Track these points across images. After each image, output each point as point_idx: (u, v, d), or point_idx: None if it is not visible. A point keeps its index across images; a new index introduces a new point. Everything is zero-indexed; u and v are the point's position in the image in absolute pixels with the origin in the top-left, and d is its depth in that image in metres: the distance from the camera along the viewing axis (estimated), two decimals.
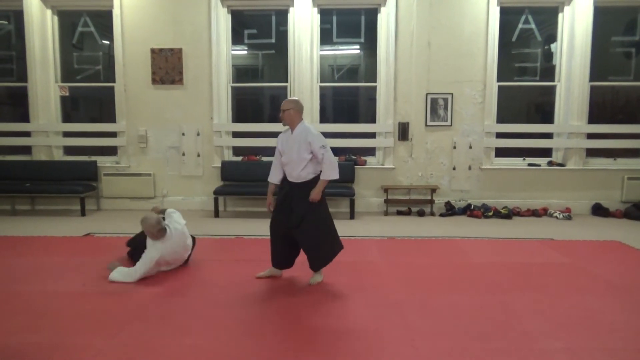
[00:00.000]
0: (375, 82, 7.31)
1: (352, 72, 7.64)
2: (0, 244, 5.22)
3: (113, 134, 7.45)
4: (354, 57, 7.71)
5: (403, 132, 7.17)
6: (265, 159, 7.47)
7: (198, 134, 7.31)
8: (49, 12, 7.37)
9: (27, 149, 7.55)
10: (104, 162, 7.51)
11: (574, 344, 2.85)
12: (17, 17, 7.37)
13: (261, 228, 5.61)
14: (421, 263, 4.54)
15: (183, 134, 7.32)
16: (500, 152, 7.36)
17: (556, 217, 6.84)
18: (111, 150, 7.57)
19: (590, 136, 7.19)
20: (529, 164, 7.30)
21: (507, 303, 3.50)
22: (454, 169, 7.23)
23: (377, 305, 3.46)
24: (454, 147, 7.19)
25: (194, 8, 7.11)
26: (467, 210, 7.00)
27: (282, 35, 7.33)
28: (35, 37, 7.23)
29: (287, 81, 7.33)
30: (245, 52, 7.67)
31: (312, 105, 7.28)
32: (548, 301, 3.53)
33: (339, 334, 2.98)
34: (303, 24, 7.09)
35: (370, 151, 7.47)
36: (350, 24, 7.39)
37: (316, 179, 3.80)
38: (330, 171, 3.76)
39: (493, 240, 5.52)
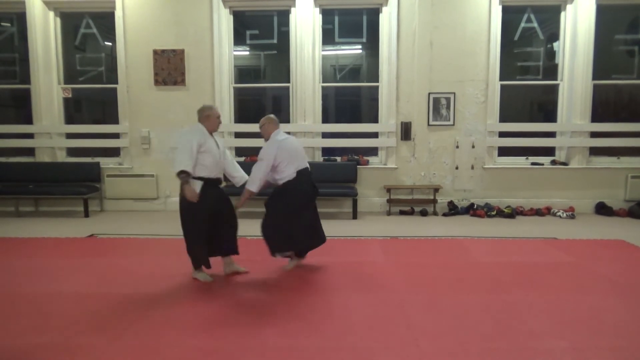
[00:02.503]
0: (377, 82, 7.31)
1: (354, 72, 7.63)
2: (4, 245, 5.24)
3: (116, 135, 7.46)
4: (356, 57, 7.71)
5: (405, 131, 7.16)
6: None
7: None
8: (51, 14, 7.39)
9: (30, 151, 7.57)
10: (106, 163, 7.52)
11: (579, 343, 2.84)
12: (20, 19, 7.40)
13: None
14: (424, 263, 4.54)
15: None
16: (503, 151, 7.34)
17: (559, 216, 6.83)
18: (114, 152, 7.59)
19: (594, 135, 7.16)
20: (532, 163, 7.28)
21: (511, 302, 3.49)
22: (456, 168, 7.22)
23: (380, 304, 3.45)
24: (457, 147, 7.18)
25: (196, 9, 7.12)
26: (470, 210, 6.99)
27: (284, 36, 7.34)
28: (38, 39, 7.25)
29: (289, 81, 7.34)
30: (247, 53, 7.67)
31: (314, 106, 7.28)
32: (552, 300, 3.53)
33: (342, 333, 2.98)
34: (305, 24, 7.09)
35: (373, 151, 7.47)
36: (352, 24, 7.39)
37: (279, 186, 4.11)
38: (249, 181, 4.05)
39: (496, 239, 5.50)
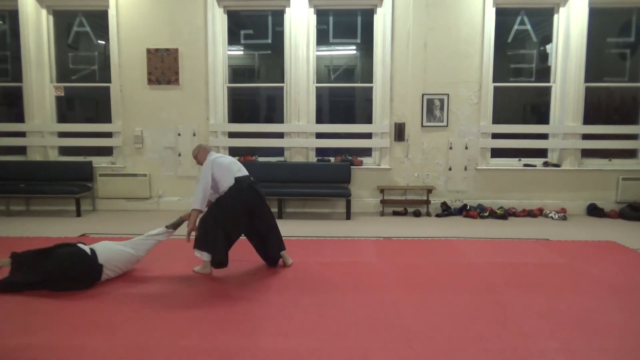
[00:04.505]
0: (371, 82, 7.32)
1: (349, 73, 7.64)
2: None
3: (109, 134, 7.42)
4: (350, 58, 7.72)
5: (399, 132, 7.18)
6: (261, 159, 7.48)
7: (194, 135, 7.30)
8: (44, 11, 7.34)
9: (22, 149, 7.51)
10: (99, 162, 7.48)
11: (571, 344, 2.86)
12: (12, 16, 7.33)
13: None
14: (417, 263, 4.55)
15: (179, 135, 7.31)
16: (496, 153, 7.38)
17: (551, 217, 6.87)
18: (107, 151, 7.55)
19: (586, 137, 7.21)
20: (525, 165, 7.33)
21: (503, 303, 3.51)
22: (450, 169, 7.24)
23: (373, 305, 3.46)
24: (450, 148, 7.20)
25: (190, 8, 7.10)
26: (463, 211, 7.02)
27: (279, 36, 7.33)
28: (30, 37, 7.19)
29: (283, 82, 7.33)
30: (242, 53, 7.66)
31: (308, 106, 7.28)
32: (544, 301, 3.55)
33: (335, 334, 2.98)
34: (299, 24, 7.09)
35: (367, 152, 7.48)
36: (346, 24, 7.39)
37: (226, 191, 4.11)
38: (193, 203, 4.07)
39: (489, 240, 5.53)
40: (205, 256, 4.08)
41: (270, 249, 4.34)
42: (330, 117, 7.64)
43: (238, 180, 4.11)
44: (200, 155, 4.31)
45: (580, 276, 4.19)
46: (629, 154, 7.35)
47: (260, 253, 4.40)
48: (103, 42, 7.45)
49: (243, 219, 4.15)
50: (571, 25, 7.00)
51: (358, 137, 7.36)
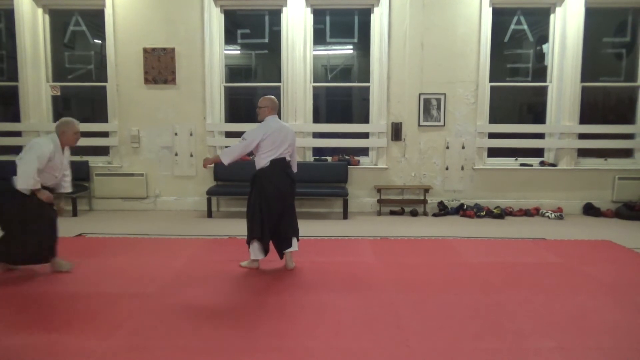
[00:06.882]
0: (368, 82, 7.32)
1: (346, 73, 7.64)
2: None
3: (105, 134, 7.40)
4: (347, 58, 7.72)
5: (396, 132, 7.19)
6: None
7: (191, 134, 7.28)
8: (40, 10, 7.31)
9: (17, 149, 7.44)
10: (96, 162, 7.46)
11: (567, 343, 2.87)
12: (8, 15, 7.30)
13: None
14: (414, 263, 4.55)
15: (176, 134, 7.29)
16: (493, 152, 7.39)
17: (548, 216, 6.89)
18: (103, 150, 7.52)
19: (582, 136, 7.23)
20: (521, 164, 7.34)
21: (500, 302, 3.52)
22: (446, 169, 7.25)
23: (370, 304, 3.46)
24: (447, 147, 7.21)
25: (187, 7, 7.08)
26: (460, 210, 7.03)
27: (276, 35, 7.32)
28: (26, 36, 7.16)
29: (280, 81, 7.32)
30: (239, 52, 7.65)
31: (305, 106, 7.27)
32: (540, 300, 3.56)
33: (333, 333, 2.99)
34: (296, 24, 7.08)
35: (364, 151, 7.48)
36: (343, 24, 7.40)
37: (258, 171, 4.15)
38: (225, 152, 4.15)
39: (486, 240, 5.54)
40: (252, 254, 4.18)
41: (282, 228, 4.22)
42: (327, 117, 7.64)
43: (273, 163, 4.07)
44: (263, 112, 4.16)
45: (576, 275, 4.20)
46: (625, 153, 7.38)
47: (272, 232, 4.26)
48: (99, 41, 7.43)
49: (278, 203, 4.15)
50: (567, 25, 7.01)
51: (355, 137, 7.37)
